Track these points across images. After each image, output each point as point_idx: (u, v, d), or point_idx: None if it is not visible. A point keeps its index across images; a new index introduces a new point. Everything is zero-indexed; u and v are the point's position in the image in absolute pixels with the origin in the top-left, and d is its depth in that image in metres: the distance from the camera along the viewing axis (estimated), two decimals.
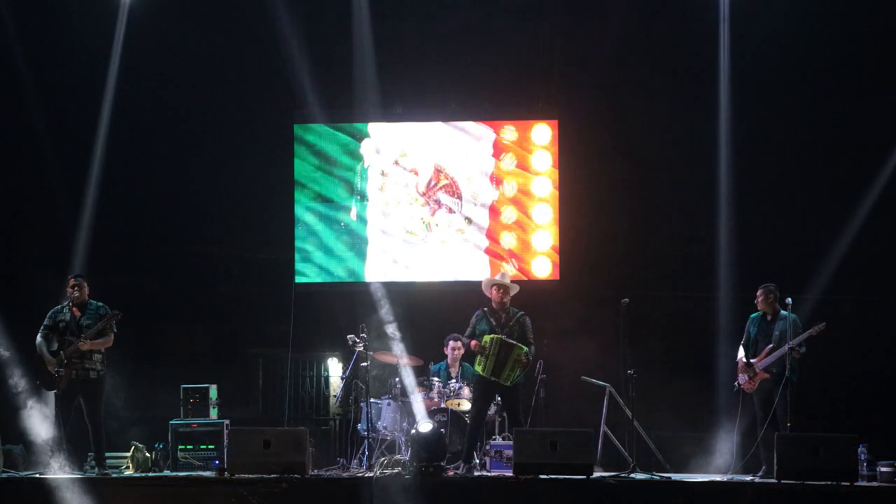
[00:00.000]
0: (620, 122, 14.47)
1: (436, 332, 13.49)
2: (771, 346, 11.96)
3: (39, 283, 13.56)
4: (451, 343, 13.10)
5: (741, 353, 12.19)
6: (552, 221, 14.63)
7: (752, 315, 12.26)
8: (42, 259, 14.18)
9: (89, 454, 12.26)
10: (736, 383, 12.20)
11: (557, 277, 14.56)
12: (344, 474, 12.16)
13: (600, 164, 14.47)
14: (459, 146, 14.80)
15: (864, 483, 11.44)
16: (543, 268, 14.63)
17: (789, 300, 12.02)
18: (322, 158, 14.85)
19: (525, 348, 11.84)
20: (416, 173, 14.77)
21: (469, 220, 14.75)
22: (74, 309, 12.13)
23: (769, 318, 12.08)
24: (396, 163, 14.83)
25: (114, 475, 12.15)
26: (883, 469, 11.67)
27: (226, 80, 14.49)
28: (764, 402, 11.92)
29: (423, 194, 14.77)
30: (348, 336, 12.79)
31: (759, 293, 12.12)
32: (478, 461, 12.25)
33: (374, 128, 14.88)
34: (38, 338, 12.06)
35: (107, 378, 12.21)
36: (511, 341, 11.83)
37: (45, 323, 12.14)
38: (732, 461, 12.20)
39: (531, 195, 14.70)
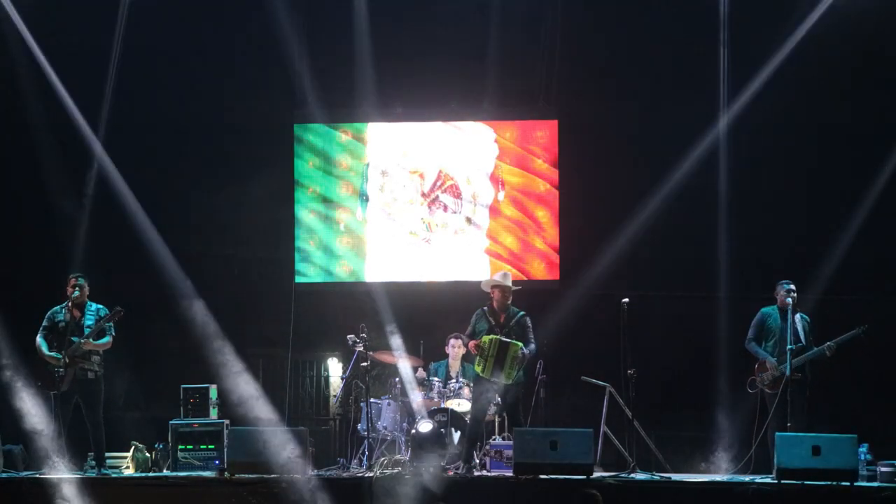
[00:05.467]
0: (620, 122, 14.47)
1: (436, 332, 13.48)
2: (800, 345, 11.88)
3: (39, 284, 13.58)
4: (452, 341, 13.12)
5: (763, 353, 12.07)
6: (552, 221, 14.63)
7: (765, 310, 12.16)
8: (42, 259, 14.18)
9: (89, 454, 12.27)
10: (753, 383, 12.11)
11: (557, 277, 14.56)
12: (344, 474, 12.16)
13: (600, 164, 14.47)
14: (459, 146, 14.80)
15: (865, 483, 11.43)
16: (543, 268, 14.63)
17: (789, 300, 12.03)
18: (322, 158, 14.86)
19: (520, 344, 11.83)
20: (423, 177, 14.77)
21: (469, 221, 14.75)
22: (74, 309, 12.13)
23: (787, 317, 12.02)
24: (397, 163, 14.84)
25: (114, 475, 12.16)
26: (883, 469, 11.65)
27: (226, 80, 14.49)
28: (785, 402, 11.79)
29: (426, 195, 14.77)
30: (348, 336, 12.78)
31: (784, 290, 12.00)
32: (478, 461, 12.25)
33: (374, 128, 14.89)
34: (38, 338, 12.06)
35: (104, 379, 12.19)
36: (507, 340, 11.83)
37: (43, 324, 12.14)
38: (752, 462, 12.12)
39: (531, 195, 14.70)
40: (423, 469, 11.52)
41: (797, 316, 11.99)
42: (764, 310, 12.22)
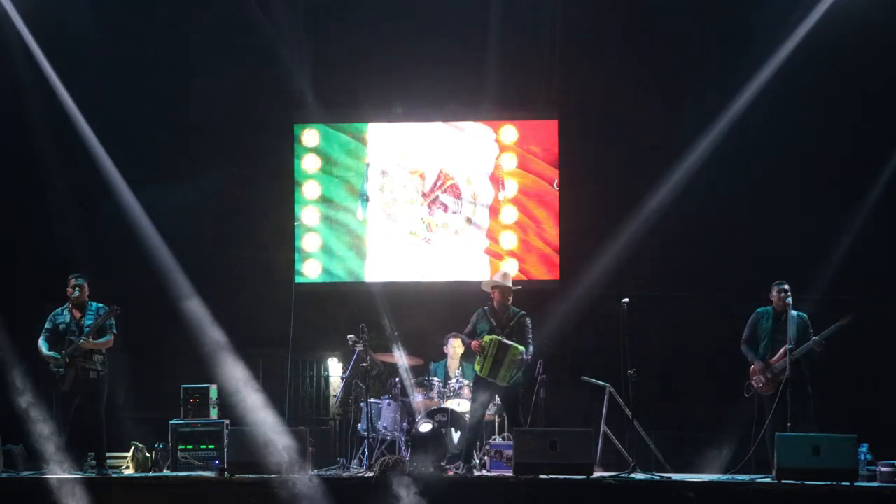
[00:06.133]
0: (621, 122, 14.47)
1: (436, 333, 13.48)
2: (790, 346, 11.87)
3: (40, 284, 13.58)
4: (451, 340, 13.12)
5: (751, 355, 12.09)
6: (552, 221, 14.62)
7: (759, 310, 12.16)
8: (43, 260, 14.19)
9: (89, 454, 12.26)
10: (749, 387, 12.09)
11: (557, 277, 14.56)
12: (344, 474, 12.16)
13: (600, 164, 14.47)
14: (460, 146, 14.80)
15: (864, 483, 11.43)
16: (543, 268, 14.62)
17: (789, 300, 12.04)
18: (322, 158, 14.86)
19: (521, 348, 11.82)
20: (423, 177, 14.77)
21: (469, 221, 14.75)
22: (74, 310, 12.13)
23: (783, 316, 12.02)
24: (397, 163, 14.84)
25: (114, 475, 12.16)
26: (883, 469, 11.65)
27: (226, 80, 14.49)
28: (785, 403, 11.77)
29: (426, 195, 14.77)
30: (348, 336, 12.80)
31: (778, 291, 12.01)
32: (478, 461, 12.25)
33: (374, 128, 14.89)
34: (40, 340, 12.07)
35: (107, 378, 12.20)
36: (508, 342, 11.81)
37: (45, 326, 12.14)
38: (752, 464, 12.10)
39: (531, 195, 14.70)
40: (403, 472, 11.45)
41: (793, 314, 11.98)
42: (759, 310, 12.22)
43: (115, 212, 14.15)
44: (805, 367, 11.91)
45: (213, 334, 13.08)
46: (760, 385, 12.01)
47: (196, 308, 13.37)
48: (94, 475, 11.92)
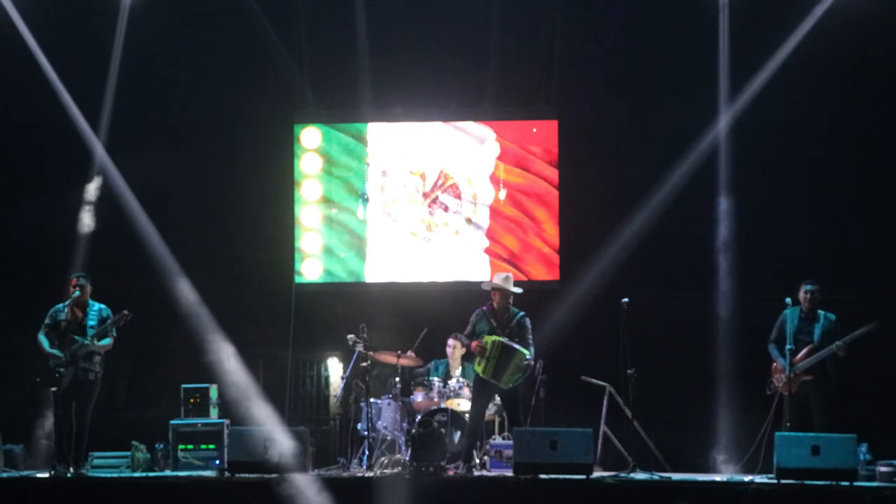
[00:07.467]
0: (620, 121, 14.47)
1: (436, 333, 13.48)
2: (812, 345, 11.89)
3: (41, 284, 13.59)
4: (451, 341, 13.12)
5: (776, 353, 12.09)
6: (552, 221, 14.62)
7: (786, 311, 12.18)
8: (44, 259, 14.19)
9: (91, 454, 12.27)
10: (771, 385, 12.12)
11: (557, 277, 14.55)
12: (344, 474, 12.17)
13: (600, 164, 14.47)
14: (459, 146, 14.81)
15: (864, 483, 11.43)
16: (543, 268, 14.62)
17: (788, 300, 12.05)
18: (322, 158, 14.86)
19: (526, 352, 11.82)
20: (423, 177, 14.78)
21: (469, 221, 14.75)
22: (76, 309, 12.12)
23: (809, 317, 12.02)
24: (398, 163, 14.84)
25: (114, 475, 12.16)
26: (883, 469, 11.67)
27: (226, 81, 14.49)
28: (802, 403, 11.83)
29: (426, 195, 14.77)
30: (348, 336, 12.80)
31: (804, 291, 12.03)
32: (478, 461, 12.25)
33: (374, 128, 14.88)
34: (40, 335, 12.06)
35: (100, 381, 12.17)
36: (513, 346, 11.79)
37: (45, 322, 12.13)
38: (760, 461, 12.12)
39: (531, 195, 14.70)
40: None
41: (821, 315, 11.98)
42: (786, 310, 12.21)
43: (115, 211, 14.15)
44: (831, 368, 11.90)
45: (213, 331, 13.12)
46: (781, 385, 11.99)
47: (191, 297, 13.40)
48: (92, 475, 11.93)
